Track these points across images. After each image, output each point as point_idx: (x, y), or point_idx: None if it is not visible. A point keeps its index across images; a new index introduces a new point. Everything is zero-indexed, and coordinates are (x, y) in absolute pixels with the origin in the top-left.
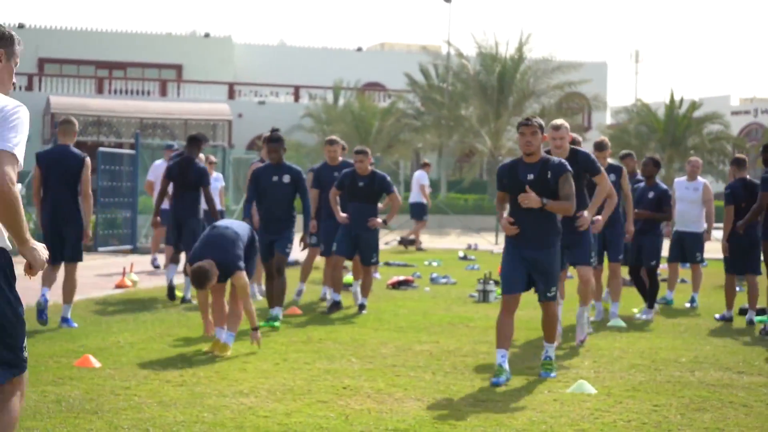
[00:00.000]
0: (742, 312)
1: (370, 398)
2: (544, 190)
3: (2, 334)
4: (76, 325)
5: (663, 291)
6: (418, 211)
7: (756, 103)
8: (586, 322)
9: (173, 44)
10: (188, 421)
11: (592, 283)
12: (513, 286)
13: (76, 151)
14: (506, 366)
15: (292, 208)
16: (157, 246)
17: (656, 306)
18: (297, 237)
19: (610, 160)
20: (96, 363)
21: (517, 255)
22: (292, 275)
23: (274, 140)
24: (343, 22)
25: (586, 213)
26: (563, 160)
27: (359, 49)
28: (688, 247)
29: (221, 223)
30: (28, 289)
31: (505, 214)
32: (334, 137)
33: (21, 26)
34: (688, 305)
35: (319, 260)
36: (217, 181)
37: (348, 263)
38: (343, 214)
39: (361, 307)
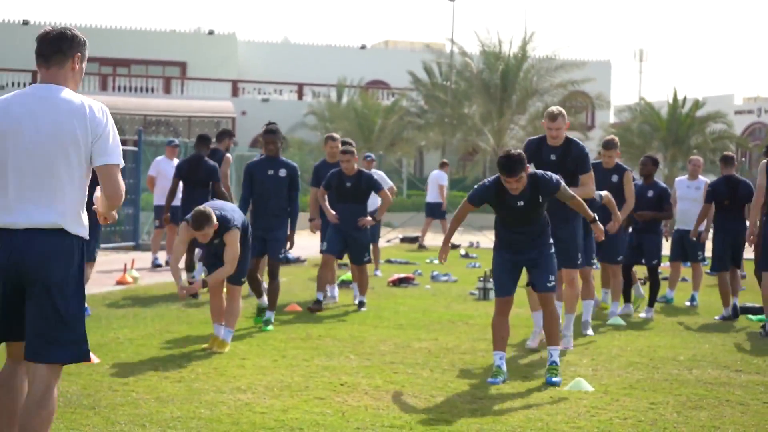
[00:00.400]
0: (743, 311)
1: (368, 395)
2: (535, 212)
3: (67, 319)
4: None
5: (663, 290)
6: (435, 211)
7: (759, 103)
8: (571, 332)
9: (177, 41)
10: (185, 416)
11: (577, 287)
12: (505, 288)
13: None
14: (504, 367)
15: (287, 203)
16: (158, 246)
17: (630, 305)
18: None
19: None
20: (95, 359)
21: (509, 258)
22: (296, 272)
23: (270, 132)
24: (347, 19)
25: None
26: (551, 179)
27: (363, 47)
28: (689, 246)
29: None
30: None
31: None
32: (334, 134)
33: (26, 23)
34: (688, 304)
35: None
36: None
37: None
38: (333, 212)
39: (361, 304)
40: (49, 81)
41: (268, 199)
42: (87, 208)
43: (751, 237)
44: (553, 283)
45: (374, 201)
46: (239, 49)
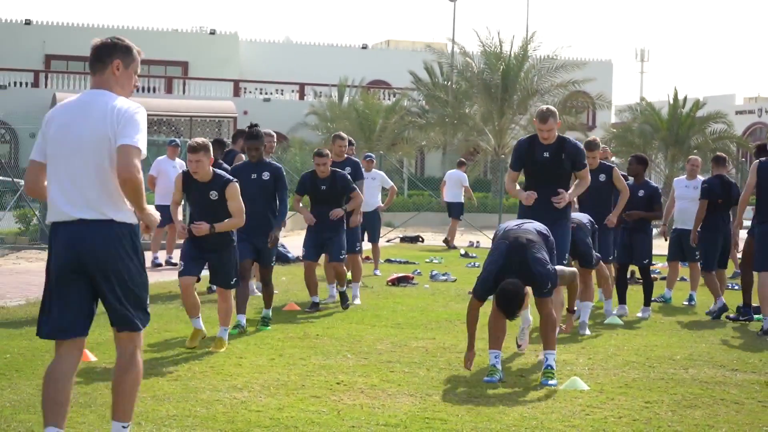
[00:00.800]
0: (739, 310)
1: (364, 393)
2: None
3: (133, 294)
4: None
5: (662, 289)
6: (456, 210)
7: (760, 103)
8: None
9: (179, 41)
10: (180, 415)
11: (560, 291)
12: (485, 294)
13: None
14: (499, 366)
15: (273, 208)
16: (158, 245)
17: (626, 306)
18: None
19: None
20: (92, 357)
21: (505, 259)
22: (295, 271)
23: (253, 137)
24: (348, 19)
25: (567, 195)
26: (579, 146)
27: (365, 47)
28: (687, 246)
29: None
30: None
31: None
32: (342, 133)
33: (27, 22)
34: (686, 303)
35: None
36: None
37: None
38: (310, 215)
39: (344, 298)
40: (96, 86)
41: (255, 203)
42: None
43: (737, 230)
44: (549, 289)
45: (371, 200)
46: (241, 49)
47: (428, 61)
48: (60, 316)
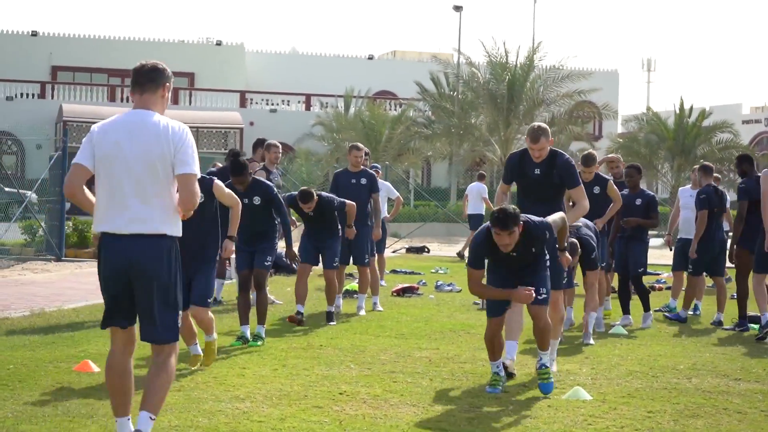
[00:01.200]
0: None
1: (366, 404)
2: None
3: (170, 304)
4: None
5: (666, 299)
6: (477, 223)
7: (767, 112)
8: (554, 357)
9: (185, 52)
10: (182, 425)
11: (561, 309)
12: (498, 309)
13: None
14: (503, 374)
15: (273, 222)
16: None
17: (630, 317)
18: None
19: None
20: (95, 368)
21: (502, 276)
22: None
23: (238, 169)
24: (355, 30)
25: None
26: (541, 227)
27: (371, 58)
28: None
29: None
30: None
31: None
32: (358, 144)
33: (34, 34)
34: (690, 313)
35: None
36: None
37: (353, 271)
38: (295, 221)
39: (329, 317)
40: (141, 106)
41: (249, 224)
42: None
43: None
44: (545, 296)
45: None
46: (247, 60)
47: (434, 71)
48: (114, 311)
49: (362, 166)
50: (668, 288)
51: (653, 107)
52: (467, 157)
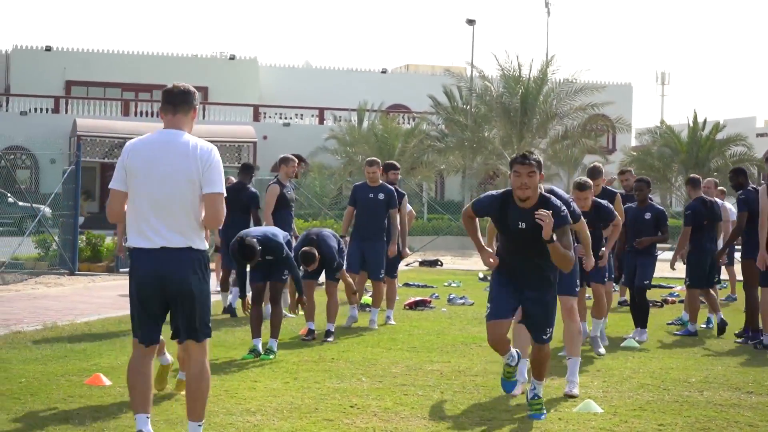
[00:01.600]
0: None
1: (377, 417)
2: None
3: (200, 311)
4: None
5: (679, 312)
6: None
7: None
8: (576, 379)
9: (199, 66)
10: None
11: (578, 320)
12: (497, 311)
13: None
14: (514, 362)
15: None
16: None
17: (645, 331)
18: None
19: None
20: (107, 381)
21: (510, 284)
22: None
23: (246, 258)
24: (368, 44)
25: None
26: (560, 200)
27: (384, 71)
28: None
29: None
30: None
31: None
32: (371, 158)
33: (48, 49)
34: (704, 326)
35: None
36: None
37: (367, 285)
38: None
39: (327, 333)
40: (172, 126)
41: (266, 277)
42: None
43: (763, 259)
44: (549, 336)
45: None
46: (261, 74)
47: (447, 85)
48: (143, 328)
49: (380, 181)
50: (681, 301)
51: (667, 120)
52: (480, 170)
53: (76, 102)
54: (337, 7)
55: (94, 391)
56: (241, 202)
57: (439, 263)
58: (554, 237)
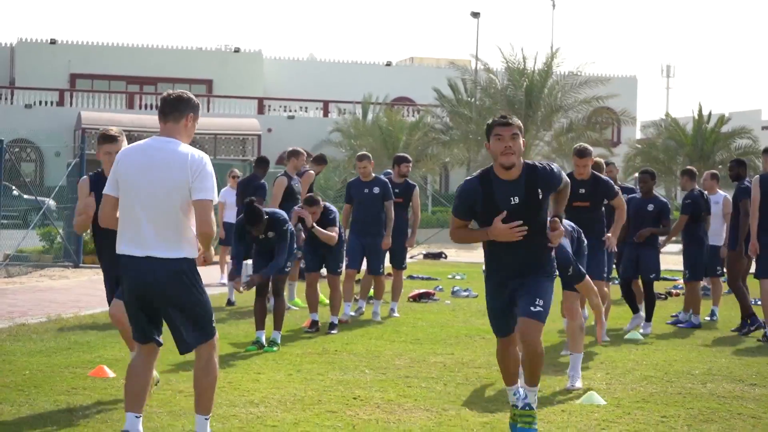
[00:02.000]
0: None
1: (380, 408)
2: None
3: (195, 316)
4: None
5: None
6: None
7: None
8: (579, 373)
9: (203, 59)
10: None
11: (579, 317)
12: (503, 327)
13: None
14: (520, 403)
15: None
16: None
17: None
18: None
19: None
20: (110, 373)
21: (502, 290)
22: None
23: (252, 222)
24: (372, 36)
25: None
26: (555, 170)
27: (388, 64)
28: (708, 260)
29: None
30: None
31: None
32: (364, 153)
33: (53, 42)
34: (707, 318)
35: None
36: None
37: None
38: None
39: (331, 325)
40: (165, 134)
41: (265, 257)
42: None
43: (754, 248)
44: (539, 308)
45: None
46: (265, 67)
47: (452, 77)
48: (137, 327)
49: (373, 174)
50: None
51: (672, 113)
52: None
53: (80, 95)
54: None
55: (97, 383)
56: (250, 194)
57: (444, 256)
58: (558, 217)
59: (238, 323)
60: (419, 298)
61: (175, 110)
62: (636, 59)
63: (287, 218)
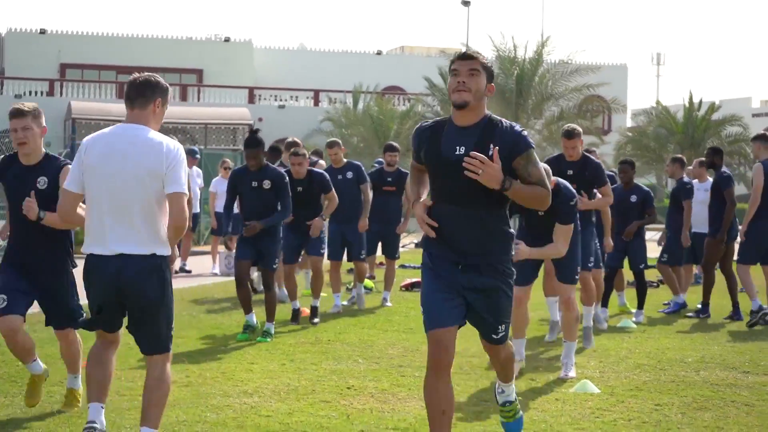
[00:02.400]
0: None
1: (374, 398)
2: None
3: (159, 323)
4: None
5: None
6: None
7: None
8: (572, 361)
9: (194, 49)
10: (190, 420)
11: (576, 309)
12: (438, 319)
13: None
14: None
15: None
16: (188, 253)
17: (606, 310)
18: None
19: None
20: None
21: (445, 277)
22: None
23: (252, 144)
24: (363, 25)
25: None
26: (522, 132)
27: (379, 53)
28: (700, 248)
29: None
30: None
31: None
32: (333, 139)
33: (42, 32)
34: (699, 306)
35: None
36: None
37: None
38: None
39: (313, 312)
40: (133, 121)
41: (257, 212)
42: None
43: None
44: (502, 333)
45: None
46: (255, 56)
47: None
48: (105, 324)
49: (345, 160)
50: None
51: (662, 101)
52: None
53: (70, 85)
54: None
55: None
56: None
57: None
58: (506, 183)
59: (230, 314)
60: (411, 287)
61: (141, 95)
62: (626, 47)
63: (284, 174)
